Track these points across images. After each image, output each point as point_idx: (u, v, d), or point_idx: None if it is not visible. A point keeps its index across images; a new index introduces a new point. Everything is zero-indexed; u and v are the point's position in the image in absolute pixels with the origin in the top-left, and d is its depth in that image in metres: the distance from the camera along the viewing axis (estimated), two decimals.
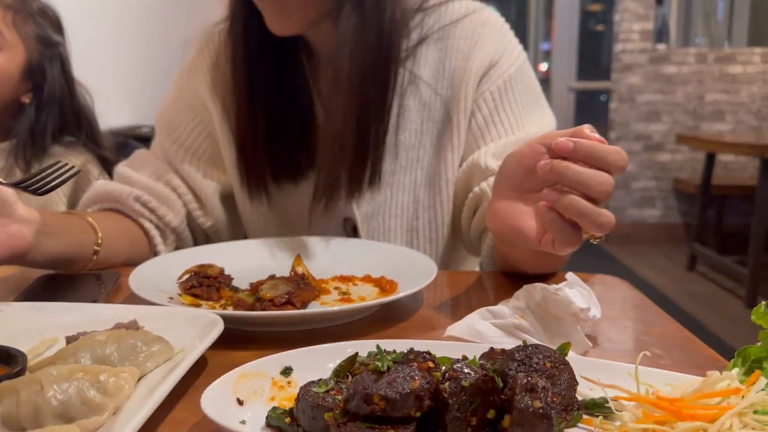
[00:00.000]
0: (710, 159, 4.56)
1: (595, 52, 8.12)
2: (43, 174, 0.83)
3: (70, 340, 0.61)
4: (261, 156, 1.06)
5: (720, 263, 4.46)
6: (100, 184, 1.12)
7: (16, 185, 0.82)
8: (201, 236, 1.18)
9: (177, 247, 1.13)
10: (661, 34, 6.32)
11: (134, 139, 1.88)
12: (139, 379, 0.56)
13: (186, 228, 1.14)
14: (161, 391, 0.52)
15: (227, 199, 1.18)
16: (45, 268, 0.94)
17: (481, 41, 1.07)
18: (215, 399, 0.51)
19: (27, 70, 1.34)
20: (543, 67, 7.87)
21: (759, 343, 0.56)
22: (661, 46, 5.42)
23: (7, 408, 0.49)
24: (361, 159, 1.03)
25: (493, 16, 1.11)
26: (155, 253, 1.10)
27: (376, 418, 0.46)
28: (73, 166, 0.86)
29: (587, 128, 0.70)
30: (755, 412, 0.47)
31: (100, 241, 0.98)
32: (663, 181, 5.43)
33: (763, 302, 0.57)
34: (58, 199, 1.30)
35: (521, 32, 8.41)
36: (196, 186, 1.14)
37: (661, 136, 5.36)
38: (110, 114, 1.59)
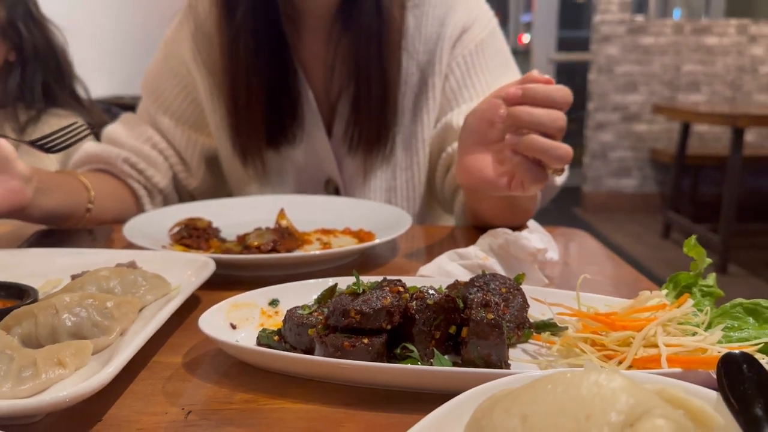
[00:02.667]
0: (685, 129, 4.66)
1: (575, 24, 8.15)
2: (58, 134, 0.88)
3: (75, 277, 0.67)
4: (256, 122, 1.11)
5: (693, 231, 4.59)
6: (89, 146, 1.17)
7: (32, 143, 0.87)
8: (186, 197, 1.24)
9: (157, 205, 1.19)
10: (641, 5, 6.37)
11: (117, 107, 1.91)
12: (140, 310, 0.63)
13: (173, 189, 1.19)
14: (161, 315, 0.58)
15: (211, 162, 1.23)
16: (40, 223, 0.99)
17: (455, 7, 1.13)
18: (211, 322, 0.58)
19: (1, 33, 1.32)
20: (525, 39, 7.90)
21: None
22: (639, 17, 5.47)
23: (26, 329, 0.55)
24: (354, 123, 1.10)
25: None
26: (143, 212, 1.15)
27: (353, 329, 0.53)
28: (86, 128, 0.90)
29: (534, 72, 0.77)
30: (679, 323, 0.55)
31: (92, 199, 1.03)
32: (639, 151, 5.54)
33: (693, 236, 0.64)
34: (48, 161, 1.33)
35: (502, 4, 8.41)
36: (182, 149, 1.19)
37: (638, 106, 5.45)
38: (91, 84, 1.60)
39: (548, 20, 6.66)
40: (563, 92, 0.75)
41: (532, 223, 0.85)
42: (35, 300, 0.62)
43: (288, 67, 1.10)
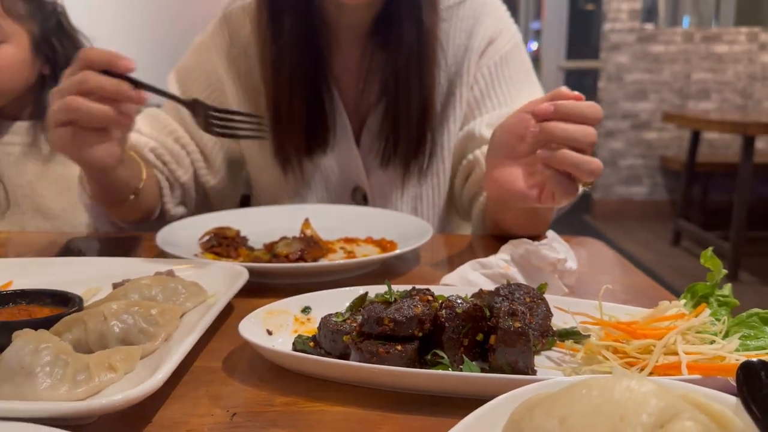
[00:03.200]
0: (695, 137, 4.68)
1: (584, 31, 8.17)
2: (237, 118, 0.90)
3: (116, 285, 0.71)
4: (297, 133, 1.13)
5: (703, 238, 4.60)
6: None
7: (217, 110, 0.90)
8: (201, 194, 1.23)
9: (181, 203, 1.19)
10: (650, 13, 6.39)
11: None
12: (180, 316, 0.66)
13: (192, 184, 1.19)
14: (204, 323, 0.61)
15: (232, 164, 1.25)
16: (101, 191, 0.99)
17: (482, 20, 1.17)
18: (249, 329, 0.61)
19: (35, 48, 1.35)
20: (533, 46, 7.94)
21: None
22: (649, 26, 5.49)
23: (76, 335, 0.59)
24: (388, 136, 1.14)
25: None
26: (162, 204, 1.14)
27: (386, 336, 0.56)
28: (264, 130, 0.92)
29: (564, 89, 0.80)
30: (698, 332, 0.57)
31: (143, 180, 1.03)
32: (650, 158, 5.55)
33: (710, 248, 0.67)
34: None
35: (512, 11, 8.46)
36: (207, 147, 1.20)
37: (648, 114, 5.47)
38: None
39: (558, 28, 6.70)
40: (594, 108, 0.78)
41: (550, 233, 0.88)
42: (81, 307, 0.65)
43: (323, 80, 1.14)
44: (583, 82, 8.14)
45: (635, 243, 5.05)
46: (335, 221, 1.10)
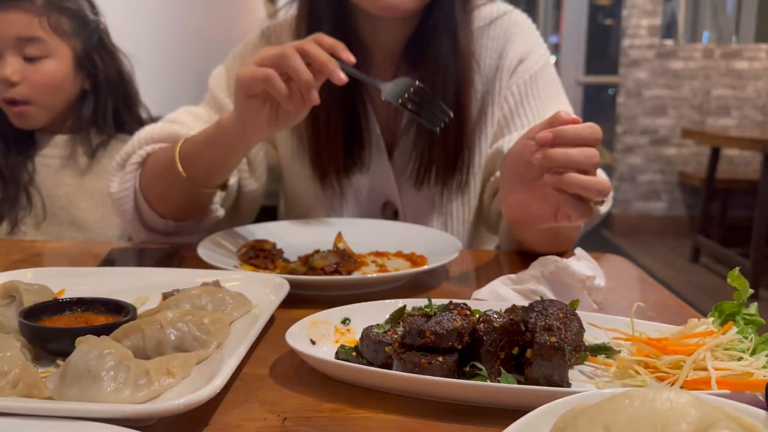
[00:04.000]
0: (715, 153, 4.67)
1: (603, 46, 8.18)
2: (432, 101, 0.95)
3: (166, 295, 0.75)
4: (336, 150, 1.16)
5: (723, 255, 4.58)
6: (161, 126, 1.14)
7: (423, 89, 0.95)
8: (235, 199, 1.22)
9: (222, 205, 1.17)
10: (669, 28, 6.40)
11: None
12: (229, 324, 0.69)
13: (236, 187, 1.19)
14: (253, 332, 0.65)
15: (270, 171, 1.27)
16: (211, 168, 1.03)
17: (512, 40, 1.20)
18: (295, 338, 0.64)
19: (77, 64, 1.41)
20: (551, 59, 7.97)
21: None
22: (669, 42, 5.50)
23: (135, 342, 0.62)
24: (424, 156, 1.17)
25: (521, 17, 1.24)
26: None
27: (427, 348, 0.59)
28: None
29: (562, 113, 0.82)
30: (726, 349, 0.60)
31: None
32: (668, 174, 5.54)
33: (737, 267, 0.69)
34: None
35: None
36: (251, 152, 1.19)
37: (667, 130, 5.46)
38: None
39: (576, 42, 6.72)
40: (592, 130, 0.80)
41: (578, 251, 0.91)
42: (135, 315, 0.68)
43: (358, 97, 1.17)
44: (602, 97, 8.14)
45: (654, 258, 5.03)
46: (365, 235, 1.13)
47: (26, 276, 0.81)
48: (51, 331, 0.64)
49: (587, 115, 8.38)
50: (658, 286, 1.00)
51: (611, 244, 5.34)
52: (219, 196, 1.16)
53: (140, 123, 1.43)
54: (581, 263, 0.85)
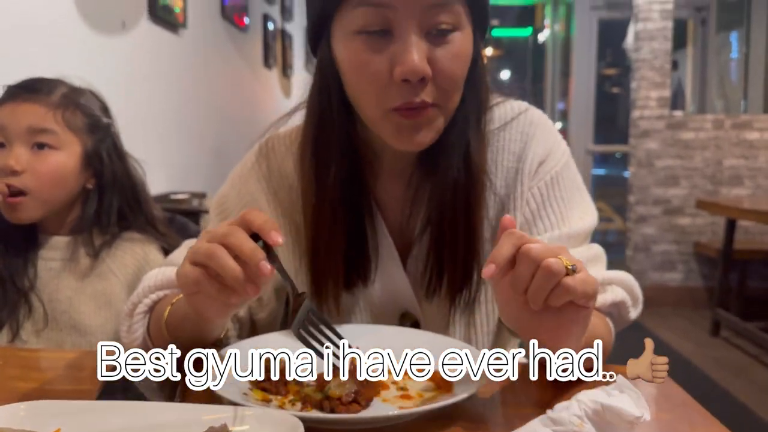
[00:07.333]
0: (731, 224, 4.60)
1: (611, 114, 8.25)
2: (325, 331, 0.93)
3: None
4: (336, 266, 1.09)
5: (743, 329, 4.44)
6: (164, 271, 1.13)
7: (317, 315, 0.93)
8: (246, 326, 1.19)
9: (235, 335, 1.16)
10: (677, 98, 6.45)
11: (178, 213, 1.93)
12: None
13: (248, 318, 1.18)
14: None
15: (278, 292, 1.21)
16: (191, 337, 1.00)
17: (531, 142, 1.14)
18: None
19: (85, 160, 1.38)
20: (558, 125, 8.03)
21: None
22: (678, 113, 5.52)
23: None
24: (433, 266, 1.11)
25: (538, 115, 1.18)
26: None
27: None
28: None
29: (507, 221, 0.83)
30: None
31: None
32: (683, 244, 5.45)
33: None
34: (117, 282, 1.36)
35: (538, 91, 8.59)
36: None
37: (681, 200, 5.41)
38: (153, 178, 1.61)
39: (585, 110, 6.78)
40: (536, 248, 0.78)
41: (620, 379, 0.83)
42: None
43: (365, 209, 1.11)
44: (610, 161, 8.14)
45: (672, 331, 4.89)
46: (385, 346, 1.05)
47: (19, 414, 0.74)
48: None
49: (597, 182, 8.38)
50: (703, 412, 0.91)
51: None
52: (233, 329, 1.11)
53: (152, 224, 1.39)
54: (624, 397, 0.77)
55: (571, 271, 0.77)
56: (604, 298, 1.07)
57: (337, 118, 1.04)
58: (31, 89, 1.32)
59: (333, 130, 1.05)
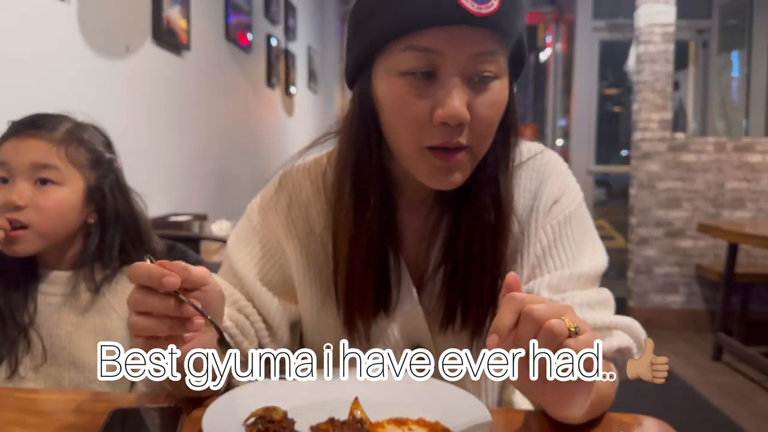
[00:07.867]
0: (733, 248, 4.58)
1: (613, 132, 8.27)
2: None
3: None
4: (367, 296, 1.11)
5: (746, 354, 4.41)
6: None
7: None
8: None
9: (245, 370, 1.12)
10: (677, 116, 6.46)
11: (178, 240, 1.91)
12: None
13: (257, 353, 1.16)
14: None
15: (292, 327, 1.22)
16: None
17: (546, 181, 1.16)
18: None
19: (88, 195, 1.38)
20: (558, 142, 8.02)
21: None
22: (680, 135, 5.52)
23: None
24: (450, 302, 1.11)
25: (553, 156, 1.21)
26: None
27: None
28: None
29: (511, 279, 0.81)
30: None
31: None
32: (685, 267, 5.43)
33: None
34: (117, 317, 1.35)
35: (540, 109, 8.62)
36: (270, 315, 1.17)
37: (682, 222, 5.40)
38: (153, 201, 1.60)
39: (587, 128, 6.78)
40: (533, 311, 0.76)
41: None
42: None
43: (389, 242, 1.12)
44: (614, 184, 8.15)
45: (674, 355, 4.86)
46: (386, 390, 1.04)
47: None
48: None
49: (599, 204, 8.38)
50: None
51: None
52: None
53: (152, 255, 1.38)
54: None
55: (573, 333, 0.76)
56: (609, 343, 1.07)
57: (375, 151, 1.06)
58: (34, 125, 1.32)
59: (371, 162, 1.07)
